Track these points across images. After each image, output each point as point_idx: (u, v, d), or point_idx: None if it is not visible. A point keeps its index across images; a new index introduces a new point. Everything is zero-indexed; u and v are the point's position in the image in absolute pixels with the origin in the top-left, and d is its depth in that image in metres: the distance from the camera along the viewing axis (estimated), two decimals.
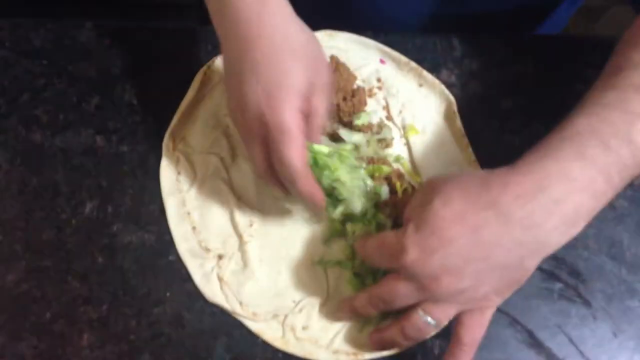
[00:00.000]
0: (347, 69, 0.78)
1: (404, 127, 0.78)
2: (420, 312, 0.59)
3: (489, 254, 0.55)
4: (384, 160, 0.75)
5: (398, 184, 0.73)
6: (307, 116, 0.62)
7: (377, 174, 0.73)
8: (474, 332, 0.61)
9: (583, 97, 0.60)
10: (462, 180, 0.58)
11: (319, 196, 0.63)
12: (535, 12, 0.98)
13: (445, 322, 0.61)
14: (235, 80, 0.62)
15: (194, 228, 0.73)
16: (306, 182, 0.61)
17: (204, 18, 0.67)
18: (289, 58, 0.61)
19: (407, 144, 0.77)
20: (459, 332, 0.61)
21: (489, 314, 0.61)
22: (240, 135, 0.66)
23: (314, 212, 0.71)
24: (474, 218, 0.55)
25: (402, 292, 0.59)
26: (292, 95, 0.60)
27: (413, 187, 0.74)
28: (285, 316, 0.69)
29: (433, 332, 0.63)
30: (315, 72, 0.63)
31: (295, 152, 0.59)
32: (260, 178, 0.65)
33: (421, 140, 0.77)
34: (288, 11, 0.63)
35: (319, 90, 0.63)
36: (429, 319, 0.59)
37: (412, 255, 0.56)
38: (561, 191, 0.54)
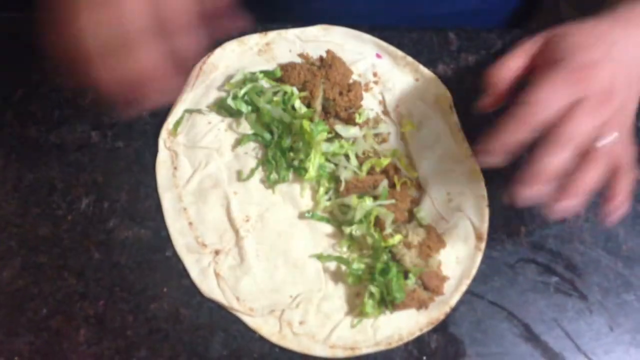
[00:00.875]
0: (343, 63, 0.78)
1: (400, 122, 0.78)
2: (597, 137, 0.60)
3: (631, 52, 0.62)
4: (380, 155, 0.75)
5: (396, 178, 0.73)
6: None
7: (377, 168, 0.73)
8: (627, 186, 0.63)
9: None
10: (570, 24, 0.64)
11: None
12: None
13: (615, 138, 0.61)
14: None
15: (190, 223, 0.73)
16: None
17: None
18: None
19: (404, 138, 0.77)
20: (614, 184, 0.62)
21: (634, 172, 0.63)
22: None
23: None
24: (602, 32, 0.63)
25: (584, 119, 0.59)
26: None
27: (411, 181, 0.74)
28: (282, 311, 0.69)
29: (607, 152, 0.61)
30: None
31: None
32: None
33: (417, 135, 0.77)
34: None
35: None
36: (606, 139, 0.60)
37: (589, 69, 0.60)
38: None
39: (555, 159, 0.58)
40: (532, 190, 0.58)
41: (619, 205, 0.63)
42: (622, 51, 0.61)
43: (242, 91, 0.76)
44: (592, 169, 0.59)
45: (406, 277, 0.68)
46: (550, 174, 0.58)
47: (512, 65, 0.65)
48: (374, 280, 0.68)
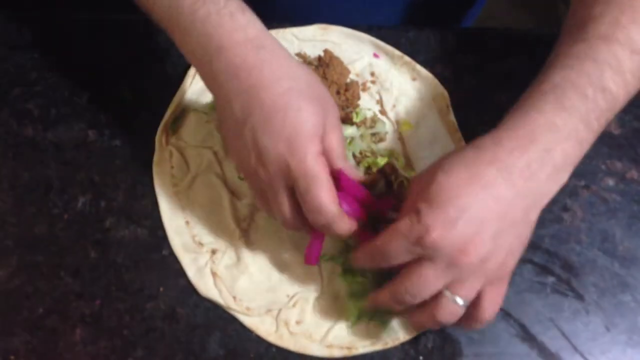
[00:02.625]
0: (340, 62, 0.78)
1: (397, 122, 0.78)
2: (448, 294, 0.58)
3: (502, 210, 0.56)
4: (377, 154, 0.75)
5: (393, 177, 0.73)
6: (324, 155, 0.61)
7: (373, 168, 0.73)
8: (495, 306, 0.61)
9: (553, 51, 0.63)
10: (454, 152, 0.59)
11: (358, 230, 0.63)
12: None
13: (470, 300, 0.59)
14: (246, 136, 0.59)
15: (187, 222, 0.73)
16: (344, 223, 0.60)
17: None
18: (299, 102, 0.59)
19: (401, 138, 0.77)
20: (481, 308, 0.60)
21: (505, 286, 0.61)
22: (260, 189, 0.63)
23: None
24: (480, 178, 0.56)
25: (429, 276, 0.57)
26: (312, 140, 0.59)
27: (408, 181, 0.74)
28: (279, 311, 0.69)
29: (461, 313, 0.60)
30: (325, 110, 0.61)
31: (327, 196, 0.58)
32: (289, 228, 0.64)
33: (415, 135, 0.77)
34: (284, 53, 0.62)
35: (331, 128, 0.61)
36: (458, 298, 0.58)
37: (436, 231, 0.55)
38: (549, 141, 0.56)
39: (390, 306, 0.61)
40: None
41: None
42: (490, 199, 0.55)
43: None
44: (421, 315, 0.60)
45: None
46: (395, 306, 0.61)
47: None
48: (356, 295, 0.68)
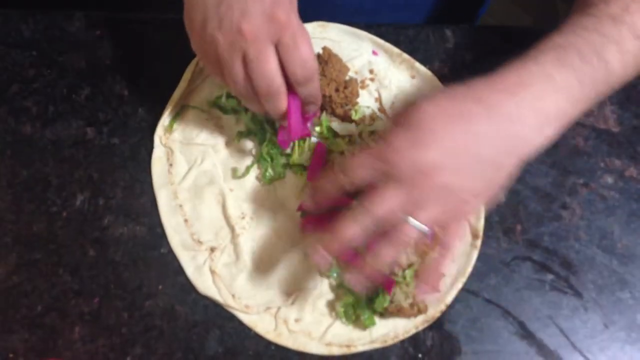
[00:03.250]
0: (339, 60, 0.77)
1: None
2: (405, 216, 0.57)
3: (478, 146, 0.56)
4: None
5: None
6: None
7: None
8: (454, 238, 0.60)
9: (559, 25, 0.63)
10: (446, 90, 0.61)
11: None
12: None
13: (428, 227, 0.58)
14: (231, 1, 0.60)
15: (185, 220, 0.73)
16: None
17: None
18: None
19: None
20: (442, 237, 0.60)
21: (462, 226, 0.62)
22: (220, 55, 0.62)
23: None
24: (462, 111, 0.56)
25: (388, 195, 0.56)
26: (294, 1, 0.62)
27: None
28: (278, 308, 0.69)
29: (415, 236, 0.58)
30: None
31: (311, 50, 0.62)
32: (240, 95, 0.65)
33: None
34: None
35: None
36: (415, 221, 0.57)
37: (404, 150, 0.55)
38: (542, 89, 0.57)
39: (350, 230, 0.57)
40: (325, 255, 0.58)
41: (427, 290, 0.61)
42: (468, 133, 0.56)
43: None
44: (388, 246, 0.57)
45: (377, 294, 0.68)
46: (343, 242, 0.58)
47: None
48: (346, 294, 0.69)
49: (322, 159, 0.72)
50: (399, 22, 0.85)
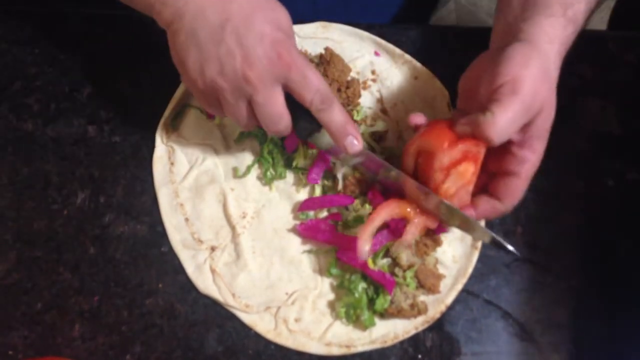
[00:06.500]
0: (341, 60, 0.78)
1: (397, 120, 0.78)
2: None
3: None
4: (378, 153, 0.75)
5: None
6: None
7: None
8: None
9: None
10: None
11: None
12: None
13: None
14: (228, 39, 0.60)
15: (186, 219, 0.73)
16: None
17: None
18: (270, 3, 0.63)
19: (401, 136, 0.77)
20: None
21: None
22: (222, 98, 0.63)
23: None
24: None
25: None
26: (292, 35, 0.63)
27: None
28: (278, 308, 0.69)
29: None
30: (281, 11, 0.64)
31: (323, 82, 0.62)
32: (246, 128, 0.66)
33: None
34: None
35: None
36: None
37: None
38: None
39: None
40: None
41: None
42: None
43: None
44: None
45: (377, 293, 0.68)
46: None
47: None
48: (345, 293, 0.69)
49: (325, 162, 0.73)
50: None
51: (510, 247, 0.63)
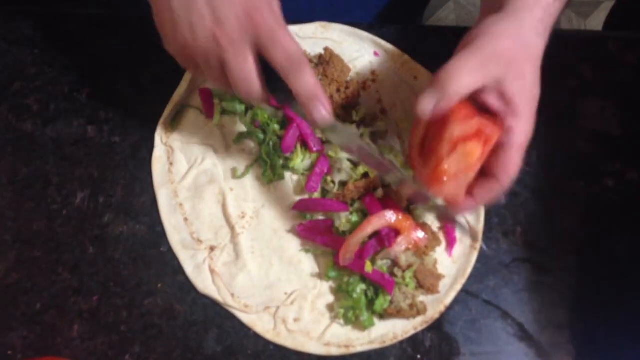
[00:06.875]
0: (341, 60, 0.78)
1: (397, 120, 0.78)
2: None
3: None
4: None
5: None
6: None
7: (371, 174, 0.73)
8: None
9: None
10: None
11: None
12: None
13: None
14: (199, 3, 0.60)
15: (185, 219, 0.73)
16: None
17: None
18: None
19: (400, 136, 0.77)
20: None
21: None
22: (197, 59, 0.63)
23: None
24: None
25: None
26: (271, 2, 0.61)
27: None
28: (277, 308, 0.69)
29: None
30: None
31: (293, 43, 0.61)
32: (253, 94, 0.63)
33: None
34: None
35: None
36: None
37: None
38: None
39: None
40: None
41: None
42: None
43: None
44: None
45: (377, 294, 0.68)
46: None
47: None
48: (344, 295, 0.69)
49: (323, 172, 0.73)
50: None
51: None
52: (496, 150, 0.62)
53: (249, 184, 0.75)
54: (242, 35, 0.60)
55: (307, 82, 0.61)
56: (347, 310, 0.68)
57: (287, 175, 0.75)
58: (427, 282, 0.68)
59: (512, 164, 0.62)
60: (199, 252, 0.71)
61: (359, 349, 0.67)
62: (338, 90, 0.76)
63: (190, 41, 0.61)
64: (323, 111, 0.61)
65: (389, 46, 0.81)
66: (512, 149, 0.61)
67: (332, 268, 0.70)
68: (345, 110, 0.76)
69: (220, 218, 0.73)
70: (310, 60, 0.79)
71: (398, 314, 0.67)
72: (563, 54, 0.83)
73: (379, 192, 0.71)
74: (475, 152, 0.61)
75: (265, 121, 0.75)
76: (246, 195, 0.74)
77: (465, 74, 0.60)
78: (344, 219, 0.71)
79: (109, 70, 0.80)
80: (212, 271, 0.70)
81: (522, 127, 0.61)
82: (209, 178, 0.74)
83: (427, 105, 0.60)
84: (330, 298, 0.70)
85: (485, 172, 0.63)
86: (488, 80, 0.60)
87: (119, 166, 0.75)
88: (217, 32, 0.60)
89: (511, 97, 0.61)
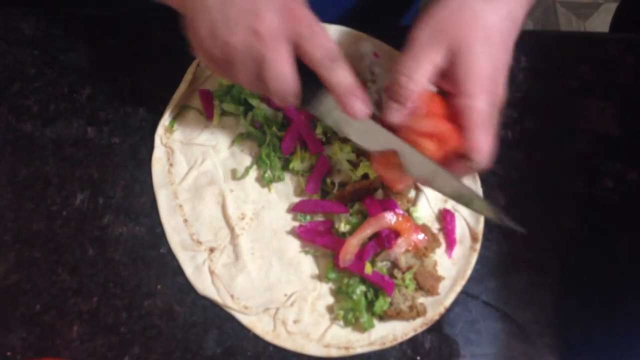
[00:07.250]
0: None
1: None
2: None
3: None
4: None
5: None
6: None
7: (371, 175, 0.73)
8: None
9: None
10: None
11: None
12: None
13: None
14: (237, 2, 0.59)
15: (185, 220, 0.73)
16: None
17: None
18: None
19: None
20: None
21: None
22: (233, 60, 0.62)
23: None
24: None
25: None
26: None
27: None
28: (277, 310, 0.69)
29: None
30: None
31: (332, 43, 0.61)
32: (289, 91, 0.62)
33: None
34: None
35: None
36: None
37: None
38: None
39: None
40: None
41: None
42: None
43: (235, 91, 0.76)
44: None
45: (376, 296, 0.68)
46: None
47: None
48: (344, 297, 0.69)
49: (323, 173, 0.73)
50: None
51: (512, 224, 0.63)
52: (463, 132, 0.61)
53: (249, 185, 0.75)
54: (283, 30, 0.59)
55: (345, 76, 0.61)
56: (346, 311, 0.68)
57: (287, 176, 0.75)
58: (427, 283, 0.68)
59: (480, 142, 0.60)
60: (198, 253, 0.71)
61: (359, 350, 0.67)
62: None
63: (230, 39, 0.60)
64: (363, 107, 0.62)
65: (388, 47, 0.81)
66: (474, 129, 0.60)
67: (331, 269, 0.70)
68: None
69: (220, 219, 0.73)
70: None
71: (398, 315, 0.67)
72: (563, 55, 0.83)
73: (379, 194, 0.71)
74: (428, 149, 0.62)
75: (265, 122, 0.75)
76: (246, 196, 0.74)
77: (415, 57, 0.61)
78: (343, 221, 0.71)
79: (109, 70, 0.80)
80: (211, 272, 0.70)
81: (478, 106, 0.59)
82: (209, 179, 0.74)
83: (397, 119, 0.63)
84: (330, 299, 0.70)
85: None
86: (439, 62, 0.61)
87: (118, 167, 0.75)
88: (258, 26, 0.59)
89: (460, 76, 0.60)
